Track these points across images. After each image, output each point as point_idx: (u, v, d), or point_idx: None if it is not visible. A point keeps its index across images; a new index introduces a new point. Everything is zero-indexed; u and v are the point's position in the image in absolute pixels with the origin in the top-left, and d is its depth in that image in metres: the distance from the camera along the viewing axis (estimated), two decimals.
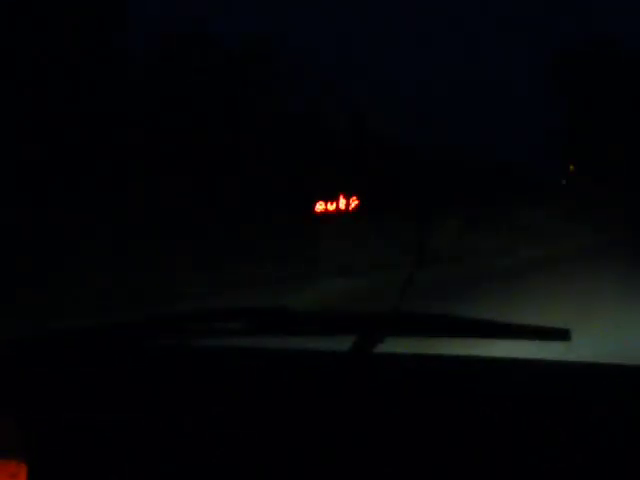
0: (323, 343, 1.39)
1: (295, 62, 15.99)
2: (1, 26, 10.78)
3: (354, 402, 1.13)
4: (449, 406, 1.12)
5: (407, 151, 18.14)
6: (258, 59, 15.55)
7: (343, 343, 1.35)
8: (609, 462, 0.96)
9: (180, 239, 10.25)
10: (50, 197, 9.72)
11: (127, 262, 8.82)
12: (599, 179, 24.76)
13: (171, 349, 1.44)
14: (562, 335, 1.25)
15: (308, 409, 1.12)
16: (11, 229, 8.19)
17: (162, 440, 1.07)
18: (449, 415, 1.08)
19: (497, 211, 16.48)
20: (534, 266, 11.95)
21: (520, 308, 6.52)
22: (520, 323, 1.30)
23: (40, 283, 7.44)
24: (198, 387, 1.22)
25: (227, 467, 1.02)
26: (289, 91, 16.27)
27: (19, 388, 1.21)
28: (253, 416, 1.10)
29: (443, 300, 7.07)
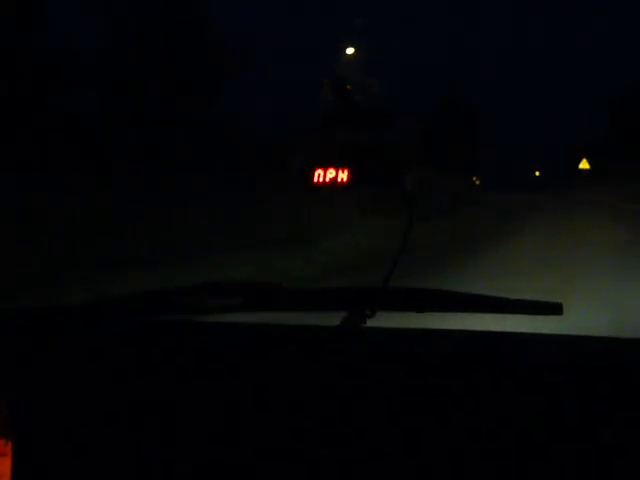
0: (315, 319, 1.38)
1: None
2: None
3: (344, 377, 1.13)
4: (440, 381, 1.11)
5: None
6: None
7: (336, 319, 1.35)
8: (605, 438, 0.96)
9: (169, 206, 10.30)
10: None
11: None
12: None
13: (164, 325, 1.42)
14: (554, 309, 1.25)
15: (299, 384, 1.12)
16: None
17: (153, 416, 1.06)
18: (440, 389, 1.08)
19: None
20: None
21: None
22: (512, 298, 1.29)
23: None
24: (192, 363, 1.21)
25: (219, 442, 1.02)
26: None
27: (5, 366, 1.20)
28: (246, 391, 1.10)
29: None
